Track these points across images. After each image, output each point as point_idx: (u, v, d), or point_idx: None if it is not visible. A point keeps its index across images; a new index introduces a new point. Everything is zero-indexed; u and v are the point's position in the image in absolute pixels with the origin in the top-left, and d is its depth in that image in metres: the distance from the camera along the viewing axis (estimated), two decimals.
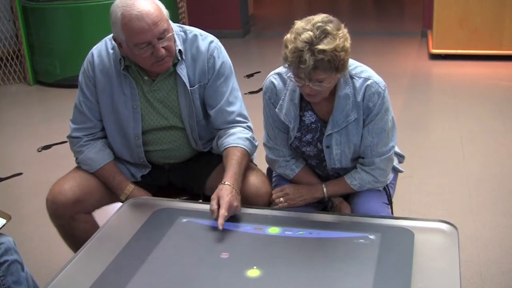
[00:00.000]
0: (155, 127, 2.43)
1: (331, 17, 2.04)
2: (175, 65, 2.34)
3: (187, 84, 2.36)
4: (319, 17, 2.02)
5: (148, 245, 1.97)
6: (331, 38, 1.97)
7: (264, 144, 2.38)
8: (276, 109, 2.25)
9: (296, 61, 1.98)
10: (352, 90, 2.15)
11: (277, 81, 2.25)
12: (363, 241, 1.93)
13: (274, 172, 2.45)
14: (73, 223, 2.39)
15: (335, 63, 1.97)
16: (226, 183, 2.14)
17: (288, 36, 2.02)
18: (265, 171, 2.52)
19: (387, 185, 2.34)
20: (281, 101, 2.24)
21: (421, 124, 4.83)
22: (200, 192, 2.54)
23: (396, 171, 2.46)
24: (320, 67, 1.97)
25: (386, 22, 8.67)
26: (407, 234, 1.95)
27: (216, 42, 2.42)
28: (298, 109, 2.23)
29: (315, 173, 2.37)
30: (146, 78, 2.37)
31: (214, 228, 2.05)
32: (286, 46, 2.01)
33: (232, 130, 2.38)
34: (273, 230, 2.03)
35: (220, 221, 2.01)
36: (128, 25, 2.16)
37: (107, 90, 2.39)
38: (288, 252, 1.91)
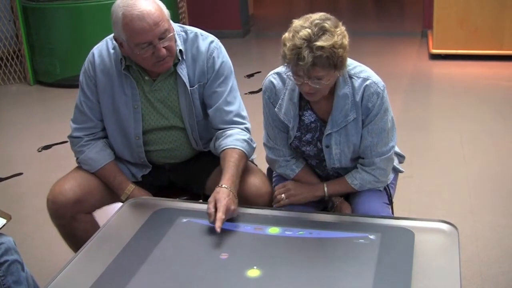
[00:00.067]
0: (155, 127, 2.43)
1: (328, 15, 2.05)
2: (175, 65, 2.34)
3: (187, 84, 2.36)
4: (316, 15, 2.03)
5: (148, 245, 1.97)
6: (329, 35, 1.97)
7: (264, 144, 2.38)
8: (276, 109, 2.25)
9: (294, 59, 1.98)
10: (351, 90, 2.16)
11: (276, 81, 2.25)
12: (363, 241, 1.93)
13: (274, 172, 2.45)
14: (73, 223, 2.39)
15: (333, 60, 1.98)
16: (223, 186, 2.14)
17: (286, 34, 2.03)
18: (265, 171, 2.52)
19: (387, 185, 2.34)
20: (280, 100, 2.24)
21: (421, 124, 4.83)
22: (201, 192, 2.54)
23: (396, 171, 2.46)
24: (318, 64, 1.97)
25: (386, 22, 8.67)
26: (407, 234, 1.95)
27: (217, 42, 2.42)
28: (298, 109, 2.23)
29: (315, 173, 2.37)
30: (147, 78, 2.37)
31: (215, 228, 2.05)
32: (285, 44, 2.02)
33: (229, 132, 2.37)
34: (273, 230, 2.03)
35: (218, 224, 2.00)
36: (129, 25, 2.16)
37: (108, 90, 2.39)
38: (288, 252, 1.91)
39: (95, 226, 2.41)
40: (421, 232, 1.97)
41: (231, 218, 2.09)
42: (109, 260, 1.91)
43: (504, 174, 3.85)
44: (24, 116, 5.55)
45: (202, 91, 2.41)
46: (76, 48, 5.94)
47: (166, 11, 2.24)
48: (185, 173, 2.56)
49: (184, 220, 2.12)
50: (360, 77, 2.17)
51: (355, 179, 2.25)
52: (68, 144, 2.54)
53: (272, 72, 2.29)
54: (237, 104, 2.43)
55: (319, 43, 1.95)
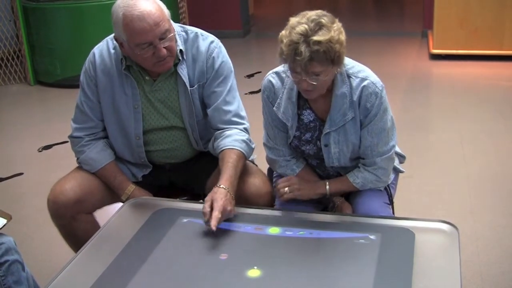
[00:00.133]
0: (156, 127, 2.43)
1: (325, 12, 2.06)
2: (176, 65, 2.34)
3: (187, 84, 2.36)
4: (313, 12, 2.05)
5: (148, 245, 1.97)
6: (325, 30, 1.98)
7: (264, 144, 2.38)
8: (274, 108, 2.26)
9: (292, 54, 1.99)
10: (349, 89, 2.16)
11: (275, 80, 2.26)
12: (364, 241, 1.93)
13: (274, 173, 2.45)
14: (74, 223, 2.39)
15: (330, 55, 1.98)
16: (221, 186, 2.13)
17: (283, 32, 2.04)
18: (265, 171, 2.52)
19: (388, 185, 2.34)
20: (279, 99, 2.25)
21: (422, 124, 4.83)
22: (201, 192, 2.54)
23: (397, 171, 2.46)
24: (316, 59, 1.98)
25: (387, 22, 8.67)
26: (408, 234, 1.95)
27: (217, 42, 2.43)
28: (296, 108, 2.23)
29: (316, 173, 2.37)
30: (147, 78, 2.37)
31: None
32: (282, 41, 2.03)
33: (228, 132, 2.37)
34: (274, 230, 2.03)
35: (213, 222, 1.98)
36: (129, 26, 2.16)
37: (108, 90, 2.39)
38: (289, 252, 1.91)
39: (95, 226, 2.41)
40: (422, 232, 1.97)
41: (231, 219, 2.09)
42: (109, 260, 1.91)
43: (504, 174, 3.85)
44: (24, 116, 5.56)
45: (202, 91, 2.41)
46: (76, 48, 5.94)
47: (166, 11, 2.24)
48: (185, 173, 2.56)
49: (185, 220, 2.12)
50: (358, 77, 2.17)
51: (357, 178, 2.25)
52: (68, 144, 2.55)
53: (271, 71, 2.29)
54: (236, 104, 2.43)
55: (315, 38, 1.96)
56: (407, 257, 1.83)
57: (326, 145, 2.24)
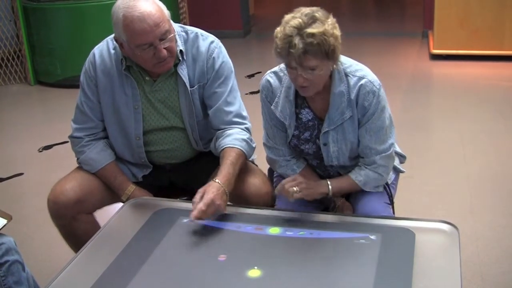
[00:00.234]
0: (156, 127, 2.44)
1: (319, 8, 2.07)
2: (176, 65, 2.34)
3: (187, 85, 2.36)
4: (307, 8, 2.06)
5: (149, 245, 1.97)
6: (319, 23, 2.00)
7: (264, 144, 2.39)
8: (272, 106, 2.26)
9: (286, 47, 2.00)
10: (347, 88, 2.17)
11: (273, 79, 2.27)
12: (364, 241, 1.93)
13: (275, 173, 2.46)
14: (74, 223, 2.39)
15: (324, 47, 1.99)
16: (216, 180, 2.14)
17: (278, 28, 2.06)
18: (265, 171, 2.52)
19: (388, 185, 2.34)
20: (277, 98, 2.25)
21: (422, 124, 4.83)
22: None
23: (397, 171, 2.46)
24: (310, 51, 1.98)
25: (387, 23, 8.67)
26: (408, 235, 1.95)
27: (217, 42, 2.43)
28: (294, 106, 2.24)
29: (316, 173, 2.37)
30: (147, 78, 2.37)
31: (215, 229, 2.05)
32: (276, 36, 2.05)
33: (229, 131, 2.38)
34: (274, 230, 2.03)
35: (194, 213, 2.01)
36: (129, 26, 2.16)
37: (108, 90, 2.39)
38: (289, 252, 1.91)
39: (95, 226, 2.41)
40: (422, 232, 1.97)
41: (231, 219, 2.09)
42: (109, 260, 1.91)
43: (504, 174, 3.85)
44: (24, 116, 5.56)
45: (202, 91, 2.41)
46: (76, 48, 5.94)
47: (166, 12, 2.24)
48: (185, 173, 2.56)
49: (185, 220, 2.12)
50: (355, 76, 2.18)
51: (359, 175, 2.24)
52: (68, 144, 2.55)
53: (269, 71, 2.30)
54: (237, 104, 2.43)
55: (309, 30, 1.97)
56: (407, 257, 1.83)
57: (325, 144, 2.25)
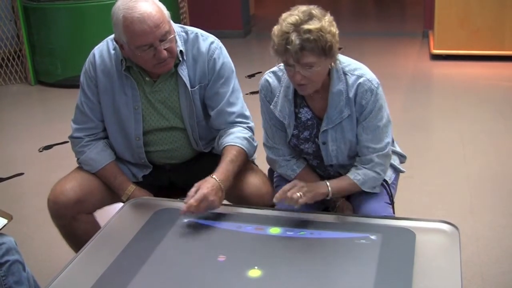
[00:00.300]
0: (156, 128, 2.43)
1: (316, 6, 2.07)
2: (176, 65, 2.34)
3: (188, 85, 2.36)
4: (304, 6, 2.06)
5: (149, 245, 1.97)
6: (316, 19, 2.01)
7: (264, 144, 2.39)
8: (271, 106, 2.27)
9: (283, 44, 2.00)
10: (345, 87, 2.17)
11: (272, 79, 2.27)
12: (364, 241, 1.93)
13: (275, 173, 2.45)
14: (74, 223, 2.39)
15: (321, 44, 1.99)
16: (213, 176, 2.16)
17: (275, 26, 2.07)
18: (266, 171, 2.52)
19: (388, 185, 2.34)
20: (276, 98, 2.26)
21: (422, 124, 4.83)
22: None
23: (397, 171, 2.46)
24: (307, 48, 1.99)
25: (387, 23, 8.67)
26: (408, 235, 1.95)
27: (217, 42, 2.43)
28: (293, 106, 2.24)
29: (316, 173, 2.37)
30: (147, 79, 2.37)
31: (216, 228, 2.05)
32: (274, 34, 2.05)
33: (231, 130, 2.39)
34: (274, 230, 2.03)
35: (184, 208, 2.06)
36: (129, 28, 2.16)
37: (108, 91, 2.39)
38: (289, 252, 1.91)
39: (96, 227, 2.41)
40: (422, 233, 1.97)
41: (231, 219, 2.09)
42: (109, 260, 1.91)
43: (504, 174, 3.85)
44: (25, 116, 5.56)
45: (203, 92, 2.41)
46: (77, 48, 5.94)
47: (166, 13, 2.24)
48: (185, 173, 2.56)
49: (185, 220, 2.12)
50: (354, 74, 2.18)
51: (358, 175, 2.23)
52: (69, 144, 2.55)
53: (268, 71, 2.30)
54: (240, 104, 2.44)
55: (306, 26, 1.98)
56: (407, 257, 1.83)
57: (324, 143, 2.25)
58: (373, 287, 1.70)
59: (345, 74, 2.18)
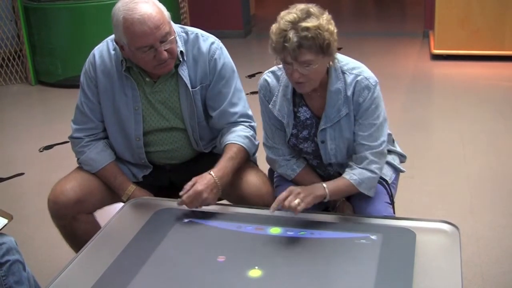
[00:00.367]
0: (156, 128, 2.43)
1: (314, 5, 2.07)
2: (176, 66, 2.34)
3: (189, 85, 2.36)
4: (302, 4, 2.07)
5: (149, 245, 1.97)
6: (314, 17, 2.01)
7: (264, 144, 2.39)
8: (270, 105, 2.27)
9: (281, 41, 2.01)
10: (344, 85, 2.17)
11: (270, 79, 2.28)
12: (365, 241, 1.93)
13: (275, 173, 2.45)
14: (74, 223, 2.40)
15: (319, 41, 2.00)
16: (210, 173, 2.18)
17: (273, 25, 2.07)
18: (266, 171, 2.52)
19: (388, 185, 2.34)
20: (274, 97, 2.26)
21: (422, 124, 4.82)
22: None
23: (397, 171, 2.46)
24: (304, 45, 1.99)
25: (388, 23, 8.66)
26: (409, 235, 1.95)
27: (218, 43, 2.42)
28: (292, 105, 2.24)
29: (316, 173, 2.37)
30: (147, 79, 2.37)
31: (216, 228, 2.05)
32: (272, 32, 2.05)
33: (234, 128, 2.40)
34: (275, 230, 2.03)
35: (178, 202, 2.14)
36: (130, 29, 2.16)
37: (108, 91, 2.39)
38: (290, 252, 1.91)
39: (96, 227, 2.41)
40: (423, 232, 1.97)
41: (231, 219, 2.09)
42: (110, 260, 1.91)
43: (504, 174, 3.85)
44: (25, 116, 5.56)
45: (205, 92, 2.41)
46: (77, 48, 5.93)
47: (167, 14, 2.24)
48: (185, 173, 2.55)
49: (186, 220, 2.12)
50: (352, 73, 2.18)
51: (353, 175, 2.20)
52: (69, 144, 2.55)
53: (267, 71, 2.31)
54: (242, 104, 2.44)
55: (304, 24, 1.99)
56: (408, 257, 1.83)
57: (322, 142, 2.25)
58: (374, 287, 1.70)
59: (343, 73, 2.18)
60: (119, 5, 2.20)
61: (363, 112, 2.18)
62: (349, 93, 2.17)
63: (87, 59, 2.43)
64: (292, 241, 1.96)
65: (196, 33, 2.40)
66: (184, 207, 2.16)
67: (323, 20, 2.02)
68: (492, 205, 3.49)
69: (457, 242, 1.93)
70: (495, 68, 6.01)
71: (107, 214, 2.39)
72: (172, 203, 2.28)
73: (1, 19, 6.45)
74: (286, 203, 2.05)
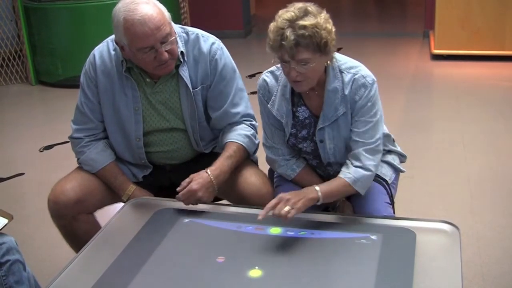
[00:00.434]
0: (156, 128, 2.43)
1: (312, 4, 2.08)
2: (177, 66, 2.34)
3: (190, 86, 2.36)
4: (300, 3, 2.07)
5: (149, 245, 1.97)
6: (312, 16, 2.02)
7: (263, 144, 2.39)
8: (269, 105, 2.27)
9: (278, 39, 2.01)
10: (341, 84, 2.17)
11: (269, 79, 2.28)
12: (365, 241, 1.93)
13: (275, 173, 2.45)
14: (74, 223, 2.39)
15: (316, 40, 2.00)
16: (207, 171, 2.20)
17: (271, 23, 2.07)
18: (266, 172, 2.52)
19: (388, 185, 2.34)
20: (273, 97, 2.26)
21: (423, 125, 4.82)
22: None
23: (397, 170, 2.46)
24: (302, 43, 1.99)
25: (388, 23, 8.66)
26: (409, 235, 1.95)
27: (218, 43, 2.42)
28: (290, 104, 2.24)
29: (316, 173, 2.37)
30: (148, 80, 2.37)
31: (216, 229, 2.05)
32: (270, 30, 2.06)
33: (234, 127, 2.41)
34: (275, 230, 2.03)
35: (176, 197, 2.17)
36: (130, 30, 2.16)
37: (108, 91, 2.39)
38: (290, 252, 1.91)
39: (96, 226, 2.41)
40: (423, 233, 1.97)
41: (231, 219, 2.09)
42: (110, 260, 1.91)
43: (505, 174, 3.85)
44: (25, 116, 5.56)
45: (206, 93, 2.41)
46: (78, 48, 5.93)
47: (167, 14, 2.24)
48: (186, 173, 2.54)
49: (186, 220, 2.12)
50: (350, 72, 2.19)
51: (348, 173, 2.17)
52: (69, 145, 2.55)
53: (266, 71, 2.31)
54: (243, 104, 2.45)
55: (301, 22, 1.99)
56: (408, 257, 1.83)
57: (321, 141, 2.25)
58: (374, 287, 1.70)
59: (341, 72, 2.18)
60: (119, 6, 2.20)
61: (359, 109, 2.18)
62: (347, 92, 2.17)
63: (87, 59, 2.43)
64: (292, 241, 1.96)
65: (197, 34, 2.40)
66: (182, 203, 2.19)
67: (321, 19, 2.02)
68: (492, 205, 3.49)
69: (457, 242, 1.93)
70: (495, 68, 6.01)
71: (107, 214, 2.39)
72: (172, 203, 2.28)
73: (1, 19, 6.46)
74: (276, 211, 1.98)
